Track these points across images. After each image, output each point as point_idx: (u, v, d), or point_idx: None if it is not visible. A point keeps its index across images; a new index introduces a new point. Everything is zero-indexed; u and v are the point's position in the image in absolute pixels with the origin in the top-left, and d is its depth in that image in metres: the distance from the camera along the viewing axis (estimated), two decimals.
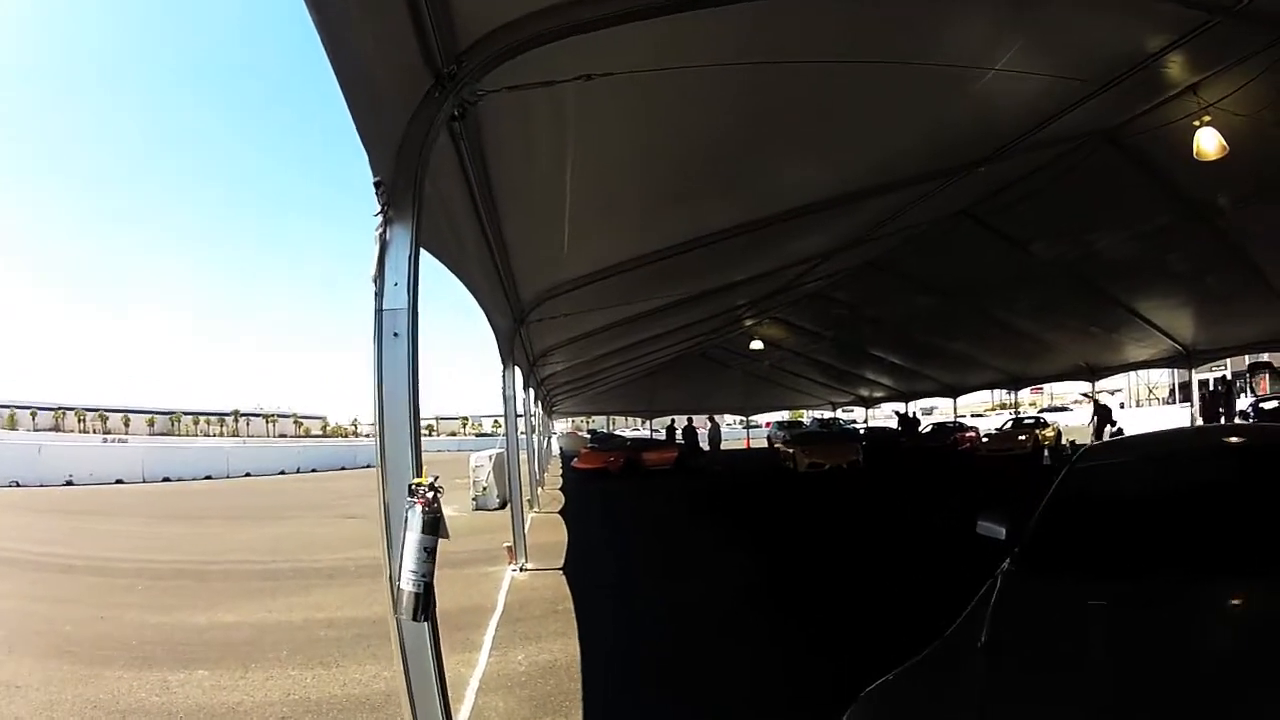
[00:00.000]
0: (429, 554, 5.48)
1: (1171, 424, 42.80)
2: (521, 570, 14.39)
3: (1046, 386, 58.26)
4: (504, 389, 16.12)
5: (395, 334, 5.52)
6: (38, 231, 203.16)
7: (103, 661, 9.53)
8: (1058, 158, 17.86)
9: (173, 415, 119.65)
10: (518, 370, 19.75)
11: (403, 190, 5.62)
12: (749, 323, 39.00)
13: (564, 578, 13.83)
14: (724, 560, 15.31)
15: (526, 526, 18.21)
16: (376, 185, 5.52)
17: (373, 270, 5.52)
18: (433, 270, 9.69)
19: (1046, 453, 36.65)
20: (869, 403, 63.27)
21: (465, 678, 8.57)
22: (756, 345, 42.51)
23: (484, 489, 24.78)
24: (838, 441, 40.24)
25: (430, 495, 5.43)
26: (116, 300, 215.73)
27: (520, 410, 24.33)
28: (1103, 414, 42.03)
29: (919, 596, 9.69)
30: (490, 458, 25.01)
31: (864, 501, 25.09)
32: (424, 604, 5.61)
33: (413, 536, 5.43)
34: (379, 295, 5.53)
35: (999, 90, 11.74)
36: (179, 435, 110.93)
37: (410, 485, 5.48)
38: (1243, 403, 40.57)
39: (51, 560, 16.47)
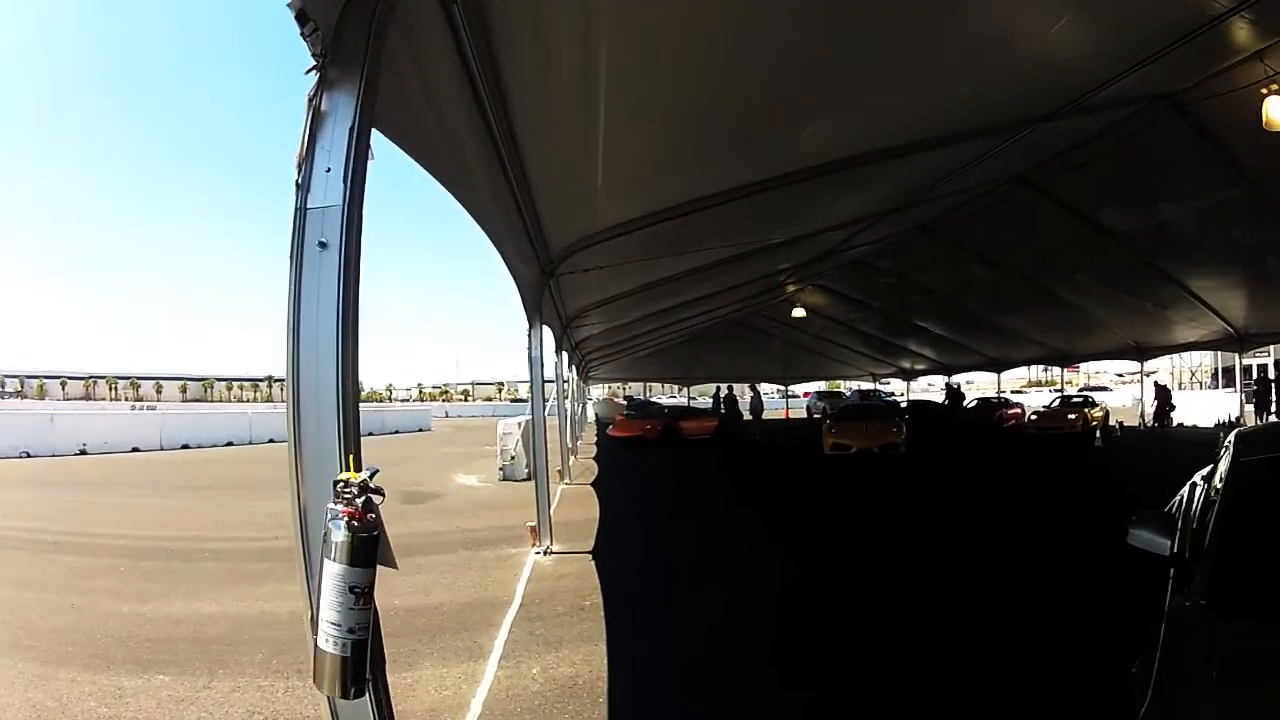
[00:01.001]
0: (360, 596, 3.67)
1: (1223, 408, 42.62)
2: (546, 554, 12.92)
3: (1084, 366, 56.83)
4: (529, 349, 14.29)
5: (322, 244, 3.94)
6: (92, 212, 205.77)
7: (60, 659, 8.47)
8: (1118, 123, 17.17)
9: (205, 381, 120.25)
10: (548, 331, 18.68)
11: (350, 38, 4.06)
12: (791, 289, 37.85)
13: (593, 564, 12.31)
14: (774, 554, 13.55)
15: (555, 500, 17.36)
16: (301, 19, 3.83)
17: (298, 151, 3.92)
18: (449, 203, 8.50)
19: (1099, 433, 35.02)
20: (910, 375, 63.42)
21: (465, 699, 7.19)
22: (799, 313, 41.31)
23: (512, 458, 23.52)
24: (873, 419, 33.42)
25: (363, 501, 3.74)
26: (151, 272, 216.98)
27: (551, 375, 23.48)
28: (1162, 395, 40.96)
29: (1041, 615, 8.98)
30: (519, 425, 23.68)
31: (926, 486, 23.17)
32: (355, 672, 3.69)
33: (333, 571, 3.66)
34: (302, 188, 3.96)
35: (1056, 46, 11.52)
36: (212, 402, 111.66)
37: (334, 483, 3.79)
38: None
39: (35, 538, 15.22)
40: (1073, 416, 40.48)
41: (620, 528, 15.89)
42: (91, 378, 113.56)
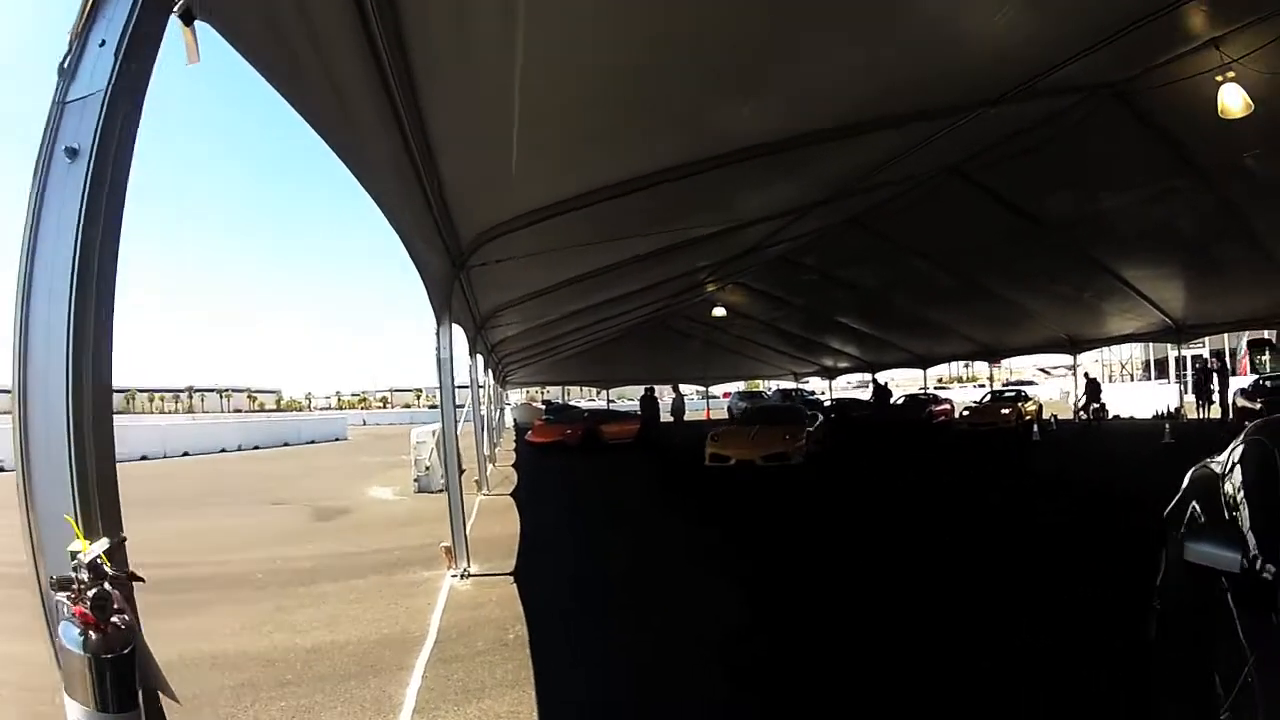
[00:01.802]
0: None
1: (1160, 400, 42.89)
2: (463, 577, 11.51)
3: (1006, 361, 56.90)
4: (438, 350, 12.69)
5: (71, 152, 2.71)
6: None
7: None
8: (1060, 112, 16.96)
9: (127, 393, 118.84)
10: (460, 331, 17.97)
11: None
12: (712, 288, 37.35)
13: (515, 589, 10.99)
14: (713, 564, 12.49)
15: (473, 514, 16.42)
16: None
17: (72, 27, 2.76)
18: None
19: (1035, 427, 35.10)
20: (832, 373, 63.73)
21: None
22: (719, 312, 41.21)
23: (427, 469, 22.09)
24: (771, 424, 27.57)
25: (94, 596, 2.55)
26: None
27: (468, 379, 22.84)
28: (1093, 388, 41.11)
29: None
30: (433, 433, 21.96)
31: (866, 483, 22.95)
32: None
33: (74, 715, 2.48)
34: (66, 72, 2.78)
35: (1002, 29, 11.24)
36: (133, 413, 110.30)
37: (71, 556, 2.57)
38: (1236, 381, 39.07)
39: None
40: (1006, 411, 40.32)
41: (543, 543, 14.75)
42: (2, 391, 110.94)
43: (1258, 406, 27.05)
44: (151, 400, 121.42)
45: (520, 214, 12.28)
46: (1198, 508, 5.62)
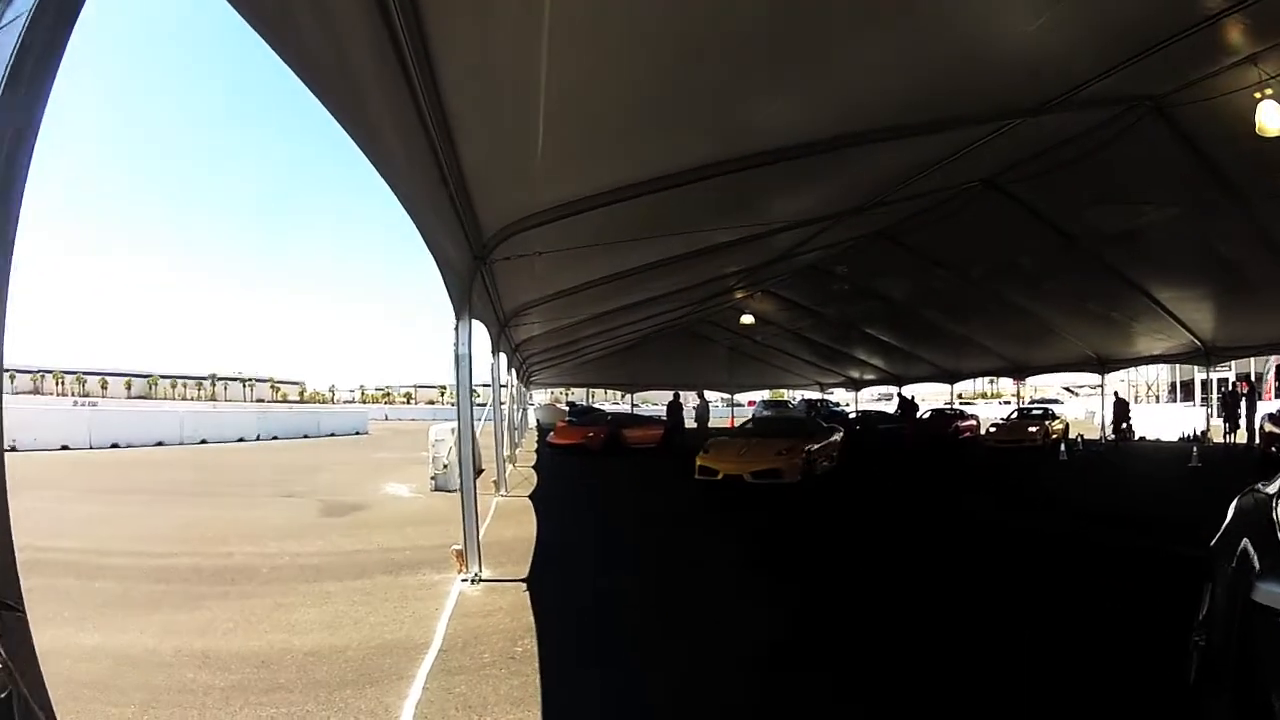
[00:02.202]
0: None
1: (1185, 422, 42.65)
2: (474, 582, 11.10)
3: (1031, 379, 56.46)
4: (456, 346, 12.09)
5: None
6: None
7: None
8: (1099, 125, 16.66)
9: (150, 378, 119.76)
10: (483, 328, 17.69)
11: None
12: (740, 295, 37.05)
13: (528, 596, 10.56)
14: (738, 583, 11.91)
15: (489, 515, 16.16)
16: None
17: None
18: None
19: (1063, 447, 34.03)
20: (858, 385, 62.96)
21: None
22: (747, 319, 40.94)
23: (445, 466, 21.48)
24: (771, 435, 25.28)
25: None
26: (103, 259, 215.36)
27: (489, 378, 22.40)
28: (1121, 409, 40.77)
29: None
30: (452, 430, 21.59)
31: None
32: None
33: None
34: None
35: (1043, 36, 11.09)
36: (155, 399, 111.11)
37: None
38: (1263, 406, 38.61)
39: None
40: (1033, 429, 39.41)
41: (559, 550, 14.21)
42: (40, 372, 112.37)
43: None
44: (174, 386, 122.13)
45: (545, 208, 11.95)
46: (1252, 542, 5.27)
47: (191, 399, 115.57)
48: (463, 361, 11.91)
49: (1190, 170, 19.47)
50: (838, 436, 28.20)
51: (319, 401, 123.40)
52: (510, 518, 17.04)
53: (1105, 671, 7.63)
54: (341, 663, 7.84)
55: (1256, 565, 4.81)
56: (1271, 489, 6.12)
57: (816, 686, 7.45)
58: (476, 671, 7.64)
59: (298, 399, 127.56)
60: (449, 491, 19.79)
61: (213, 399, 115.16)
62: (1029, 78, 13.04)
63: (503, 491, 20.73)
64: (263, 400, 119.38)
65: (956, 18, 9.97)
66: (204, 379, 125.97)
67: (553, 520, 17.04)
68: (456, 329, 11.95)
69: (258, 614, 9.64)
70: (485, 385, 24.29)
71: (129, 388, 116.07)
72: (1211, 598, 5.89)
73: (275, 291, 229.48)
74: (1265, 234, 22.58)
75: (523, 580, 11.47)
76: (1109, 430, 42.78)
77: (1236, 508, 6.65)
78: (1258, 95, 14.65)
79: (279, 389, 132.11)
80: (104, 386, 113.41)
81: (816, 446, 24.75)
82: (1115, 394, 44.09)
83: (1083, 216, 23.79)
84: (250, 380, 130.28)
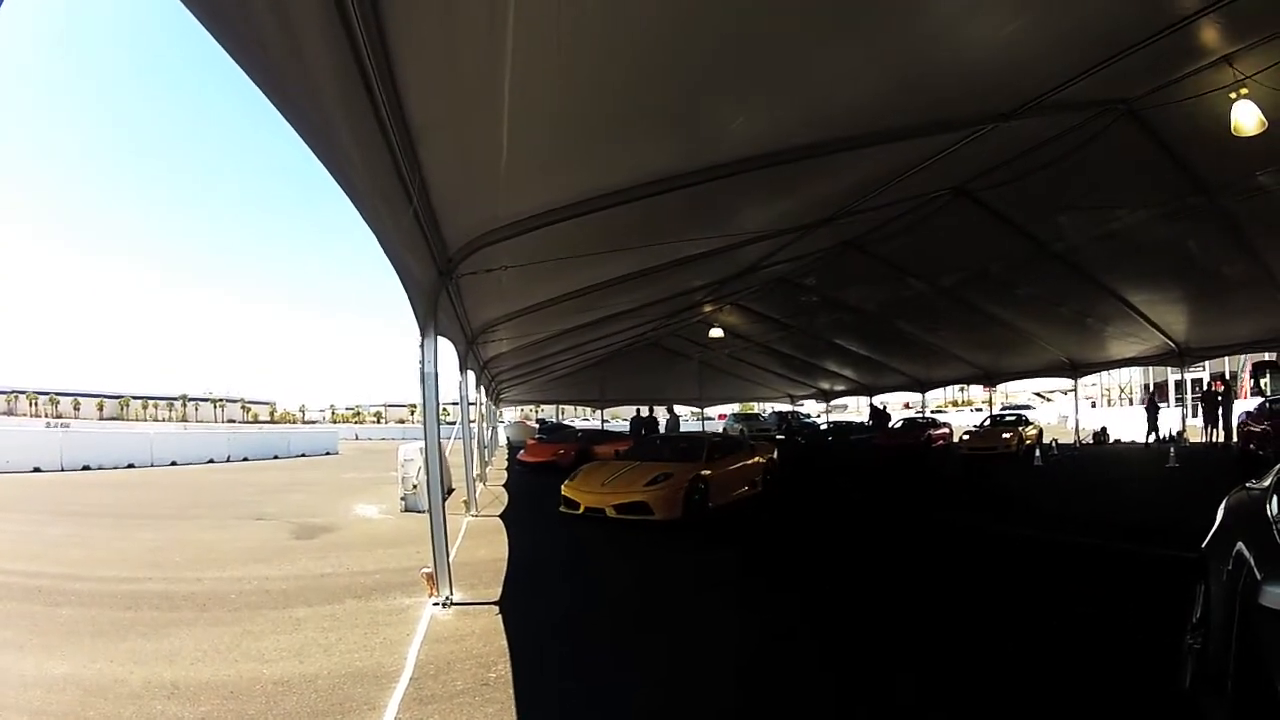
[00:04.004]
0: None
1: (1161, 425, 42.87)
2: (445, 605, 10.79)
3: (1002, 385, 56.70)
4: (422, 364, 11.64)
5: None
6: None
7: None
8: (1068, 131, 16.82)
9: (122, 399, 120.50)
10: (451, 346, 17.69)
11: None
12: (709, 309, 37.07)
13: (501, 619, 10.28)
14: (718, 600, 11.67)
15: (460, 537, 16.00)
16: None
17: None
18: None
19: (1038, 452, 34.00)
20: (829, 396, 63.50)
21: None
22: (716, 333, 40.75)
23: (414, 487, 21.01)
24: (658, 459, 21.19)
25: None
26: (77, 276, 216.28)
27: (455, 396, 22.11)
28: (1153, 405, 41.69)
29: None
30: (422, 450, 21.33)
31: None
32: None
33: None
34: None
35: (1014, 41, 11.08)
36: (127, 420, 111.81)
37: None
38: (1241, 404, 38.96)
39: None
40: (1007, 436, 39.40)
41: (532, 570, 13.88)
42: (13, 393, 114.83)
43: (1264, 429, 26.60)
44: (145, 407, 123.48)
45: (511, 221, 11.69)
46: (1249, 543, 5.14)
47: (163, 420, 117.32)
48: (429, 380, 11.54)
49: (1163, 172, 19.61)
50: (760, 458, 23.92)
51: (289, 421, 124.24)
52: (482, 538, 16.80)
53: (1099, 676, 7.54)
54: (311, 693, 7.61)
55: (1255, 567, 4.76)
56: (1263, 486, 6.21)
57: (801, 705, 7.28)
58: (449, 700, 7.40)
59: (268, 419, 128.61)
60: (419, 512, 19.58)
61: (184, 420, 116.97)
62: (1000, 84, 13.11)
63: (473, 511, 20.37)
64: (234, 421, 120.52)
65: (926, 26, 9.86)
66: (175, 399, 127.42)
67: (524, 540, 16.73)
68: (422, 346, 11.60)
69: (226, 642, 9.40)
70: (455, 403, 24.05)
71: (101, 409, 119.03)
72: (1206, 600, 5.86)
73: (246, 309, 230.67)
74: (1238, 234, 22.82)
75: (495, 603, 11.22)
76: (1084, 434, 42.88)
77: (1227, 507, 6.71)
78: (1233, 95, 14.85)
79: (250, 409, 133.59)
80: (76, 407, 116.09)
81: (714, 472, 20.16)
82: (1146, 388, 43.82)
83: (1055, 221, 23.91)
84: (221, 401, 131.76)
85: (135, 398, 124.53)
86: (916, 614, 10.33)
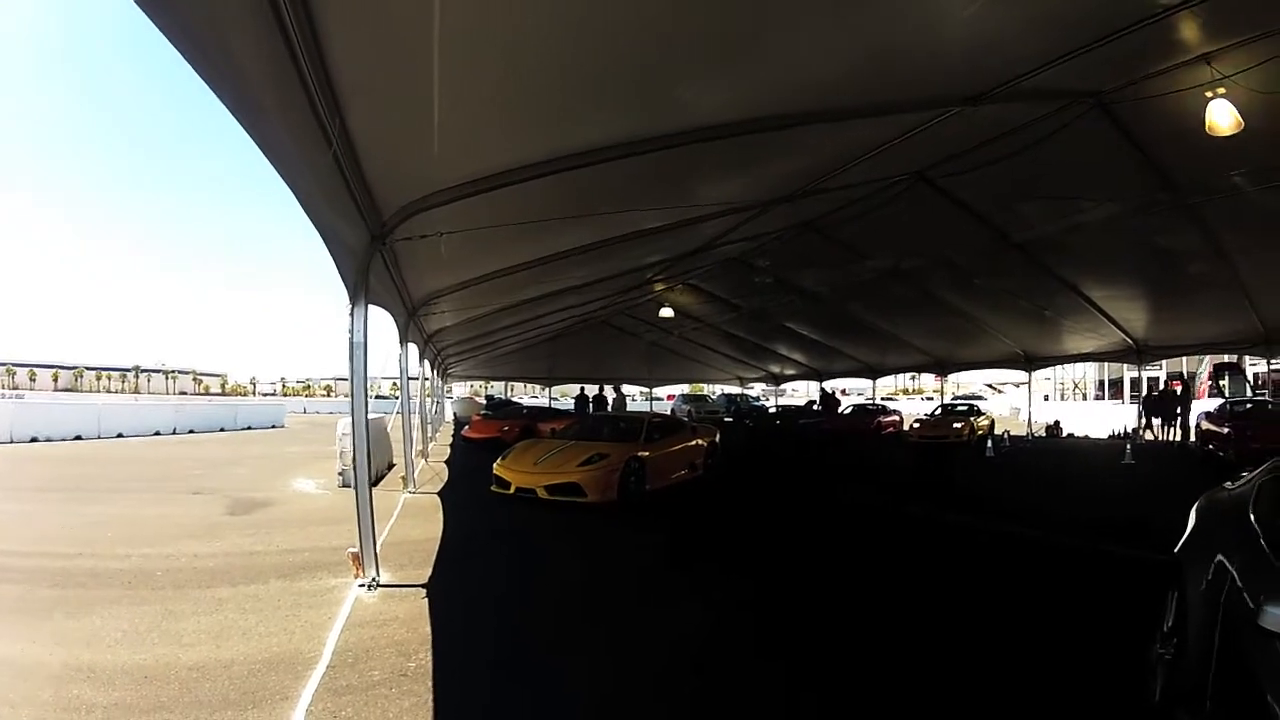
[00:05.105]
0: None
1: (1116, 420, 44.25)
2: (371, 587, 10.40)
3: (953, 375, 56.65)
4: (351, 333, 11.15)
5: None
6: None
7: None
8: (1036, 120, 16.68)
9: (76, 370, 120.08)
10: (390, 316, 17.53)
11: None
12: (660, 287, 36.71)
13: (427, 603, 9.89)
14: (662, 588, 11.22)
15: (395, 515, 16.23)
16: None
17: None
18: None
19: (989, 443, 34.04)
20: (779, 379, 63.52)
21: None
22: (666, 312, 40.35)
23: (353, 461, 20.32)
24: (595, 439, 20.63)
25: None
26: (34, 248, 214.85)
27: (388, 368, 21.64)
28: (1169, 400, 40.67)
29: None
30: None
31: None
32: None
33: None
34: None
35: (986, 23, 10.81)
36: (81, 391, 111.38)
37: None
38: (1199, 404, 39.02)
39: None
40: (959, 425, 39.63)
41: (465, 551, 13.48)
42: None
43: (1225, 431, 26.58)
44: (99, 378, 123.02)
45: (450, 185, 11.20)
46: (1231, 552, 4.88)
47: (116, 391, 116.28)
48: (358, 350, 11.11)
49: (1131, 168, 19.47)
50: (701, 440, 23.18)
51: (240, 394, 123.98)
52: (417, 516, 16.44)
53: (1059, 683, 7.26)
54: (225, 680, 7.27)
55: (1246, 583, 4.51)
56: (1238, 492, 6.03)
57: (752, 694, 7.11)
58: (365, 691, 7.06)
59: (220, 391, 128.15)
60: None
61: (136, 391, 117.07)
62: (971, 66, 12.83)
63: (411, 488, 19.82)
64: (185, 393, 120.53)
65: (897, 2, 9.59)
66: (128, 371, 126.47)
67: (460, 519, 16.35)
68: (351, 314, 11.13)
69: (148, 623, 9.06)
70: (411, 378, 23.74)
71: (56, 379, 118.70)
72: (1181, 609, 5.58)
73: (198, 278, 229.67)
74: (1204, 234, 22.73)
75: (423, 586, 10.83)
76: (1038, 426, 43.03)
77: (1200, 512, 6.63)
78: (1209, 94, 14.65)
79: (201, 381, 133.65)
80: (32, 378, 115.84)
81: (652, 454, 19.67)
82: (1166, 381, 43.56)
83: (1017, 213, 23.73)
84: (173, 372, 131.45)
85: (89, 369, 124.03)
86: (856, 614, 9.86)
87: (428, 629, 8.82)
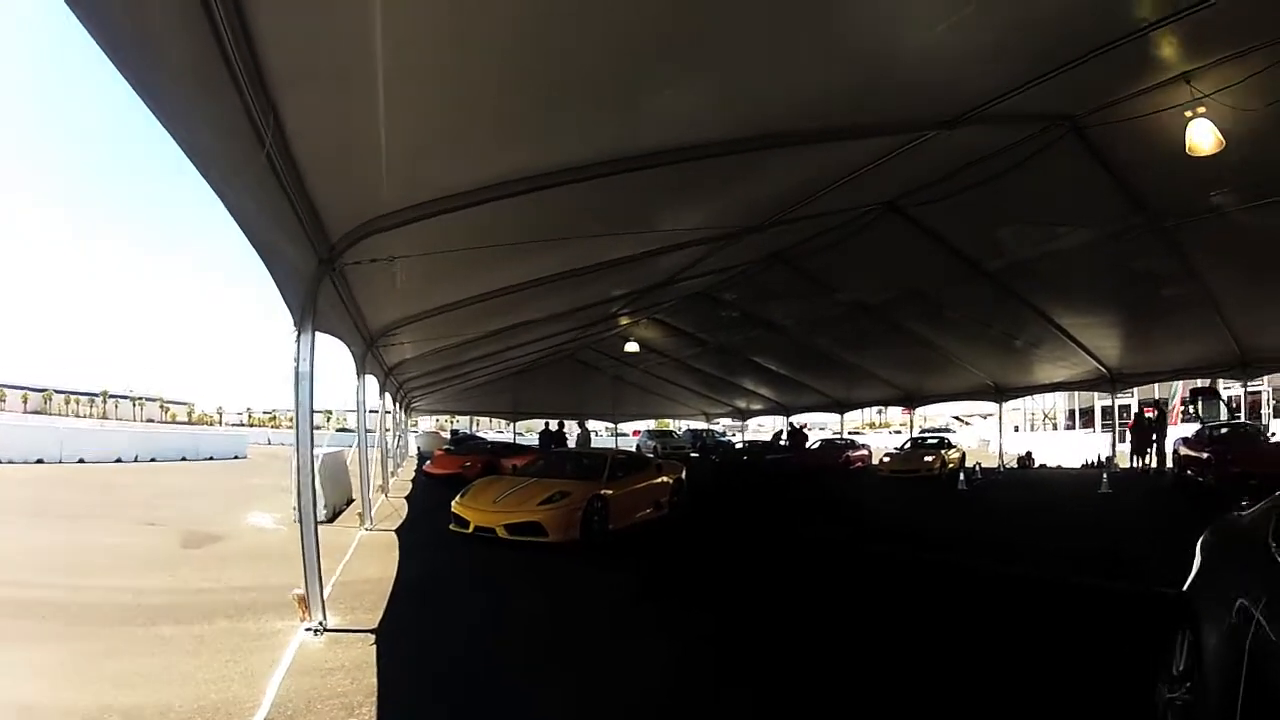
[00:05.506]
0: None
1: (1089, 449, 44.56)
2: (319, 632, 9.76)
3: (921, 408, 56.53)
4: (297, 362, 10.46)
5: None
6: None
7: None
8: (1009, 147, 16.71)
9: (45, 393, 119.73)
10: (344, 346, 17.29)
11: None
12: (625, 321, 36.69)
13: (375, 650, 9.23)
14: (625, 635, 10.51)
15: (349, 553, 15.63)
16: None
17: None
18: None
19: (962, 476, 33.70)
20: (745, 415, 63.48)
21: None
22: (632, 347, 40.77)
23: None
24: (558, 475, 19.93)
25: None
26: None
27: (350, 401, 20.96)
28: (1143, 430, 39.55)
29: None
30: (317, 458, 20.11)
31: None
32: None
33: None
34: None
35: (957, 47, 10.60)
36: (50, 414, 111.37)
37: None
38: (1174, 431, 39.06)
39: None
40: (930, 459, 39.40)
41: (420, 593, 12.86)
42: None
43: (1205, 455, 26.35)
44: (68, 402, 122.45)
45: (402, 207, 10.49)
46: (1256, 590, 4.49)
47: (84, 415, 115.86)
48: (303, 380, 10.45)
49: (1105, 192, 19.34)
50: (667, 477, 22.57)
51: (207, 423, 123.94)
52: (373, 554, 15.89)
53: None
54: None
55: (1266, 623, 4.14)
56: (1252, 527, 5.64)
57: None
58: None
59: (186, 419, 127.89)
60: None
61: (104, 416, 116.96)
62: (944, 89, 12.55)
63: (368, 525, 19.25)
64: (152, 420, 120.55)
65: (868, 19, 9.29)
66: (96, 395, 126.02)
67: (417, 558, 15.73)
68: (298, 341, 10.47)
69: (89, 661, 8.63)
70: (372, 411, 23.29)
71: (26, 401, 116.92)
72: (1197, 652, 5.13)
73: (172, 306, 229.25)
74: (1179, 257, 22.61)
75: (372, 631, 10.20)
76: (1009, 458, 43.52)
77: (1211, 547, 6.22)
78: (1189, 114, 14.67)
79: (168, 409, 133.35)
80: (1, 400, 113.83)
81: (615, 492, 19.05)
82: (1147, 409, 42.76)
83: (989, 241, 23.51)
84: (140, 399, 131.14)
85: (59, 391, 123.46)
86: (832, 667, 9.06)
87: (374, 680, 8.25)
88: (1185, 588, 5.91)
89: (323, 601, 10.19)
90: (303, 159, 8.07)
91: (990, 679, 8.16)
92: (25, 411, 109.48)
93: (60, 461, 39.82)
